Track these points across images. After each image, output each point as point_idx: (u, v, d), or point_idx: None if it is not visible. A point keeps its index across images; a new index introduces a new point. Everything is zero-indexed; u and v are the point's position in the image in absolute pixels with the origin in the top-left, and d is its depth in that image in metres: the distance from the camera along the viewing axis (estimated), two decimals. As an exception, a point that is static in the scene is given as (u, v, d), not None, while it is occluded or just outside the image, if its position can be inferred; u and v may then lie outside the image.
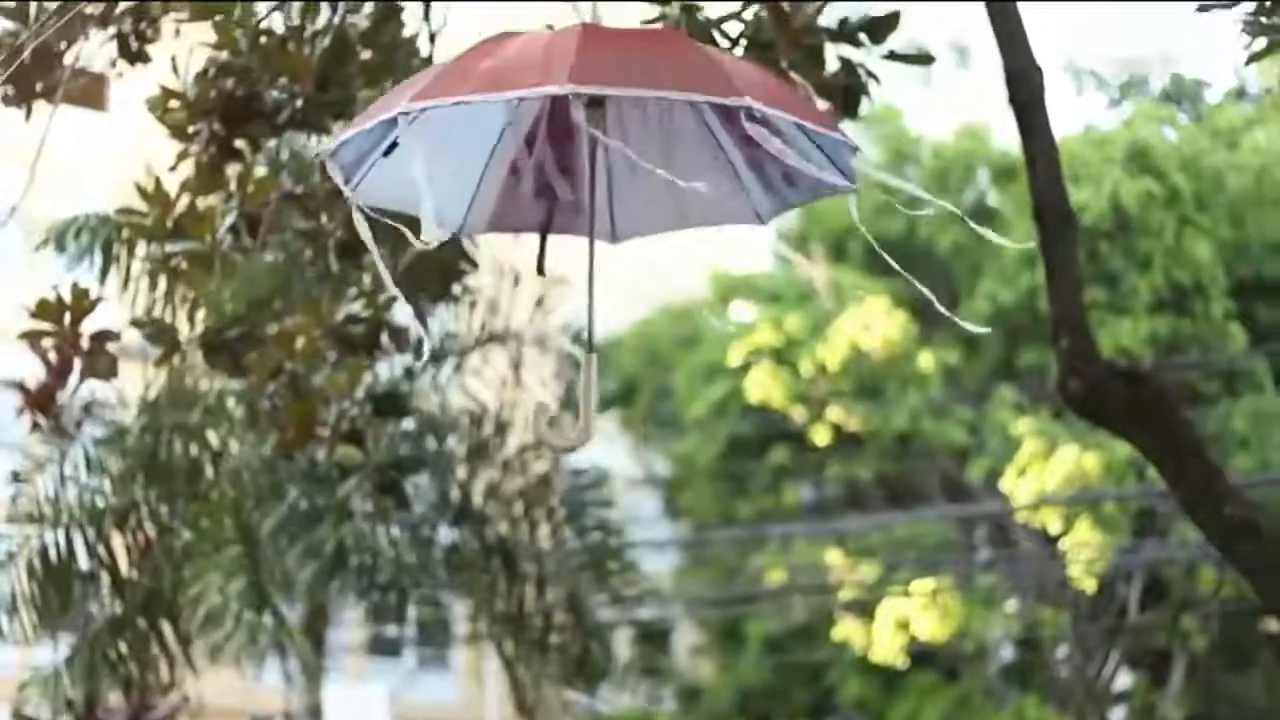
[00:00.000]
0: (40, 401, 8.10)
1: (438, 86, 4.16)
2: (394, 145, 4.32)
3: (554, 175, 4.73)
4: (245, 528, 15.60)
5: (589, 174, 4.75)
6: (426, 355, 17.13)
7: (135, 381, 14.92)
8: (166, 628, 15.60)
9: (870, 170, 4.31)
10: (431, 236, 4.00)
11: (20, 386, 8.18)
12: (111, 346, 7.80)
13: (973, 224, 4.47)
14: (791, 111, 4.17)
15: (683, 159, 4.56)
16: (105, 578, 15.56)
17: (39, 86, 7.31)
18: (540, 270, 4.95)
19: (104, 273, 14.89)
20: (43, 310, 7.66)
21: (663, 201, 4.77)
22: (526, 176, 4.76)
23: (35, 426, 8.25)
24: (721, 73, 4.17)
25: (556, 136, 4.70)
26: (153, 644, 15.56)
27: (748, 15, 7.46)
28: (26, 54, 7.13)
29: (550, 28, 4.36)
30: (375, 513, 15.85)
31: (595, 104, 4.33)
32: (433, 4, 8.28)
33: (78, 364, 7.82)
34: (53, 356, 7.78)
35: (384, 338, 8.45)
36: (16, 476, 15.55)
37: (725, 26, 7.46)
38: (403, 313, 8.80)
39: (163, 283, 13.54)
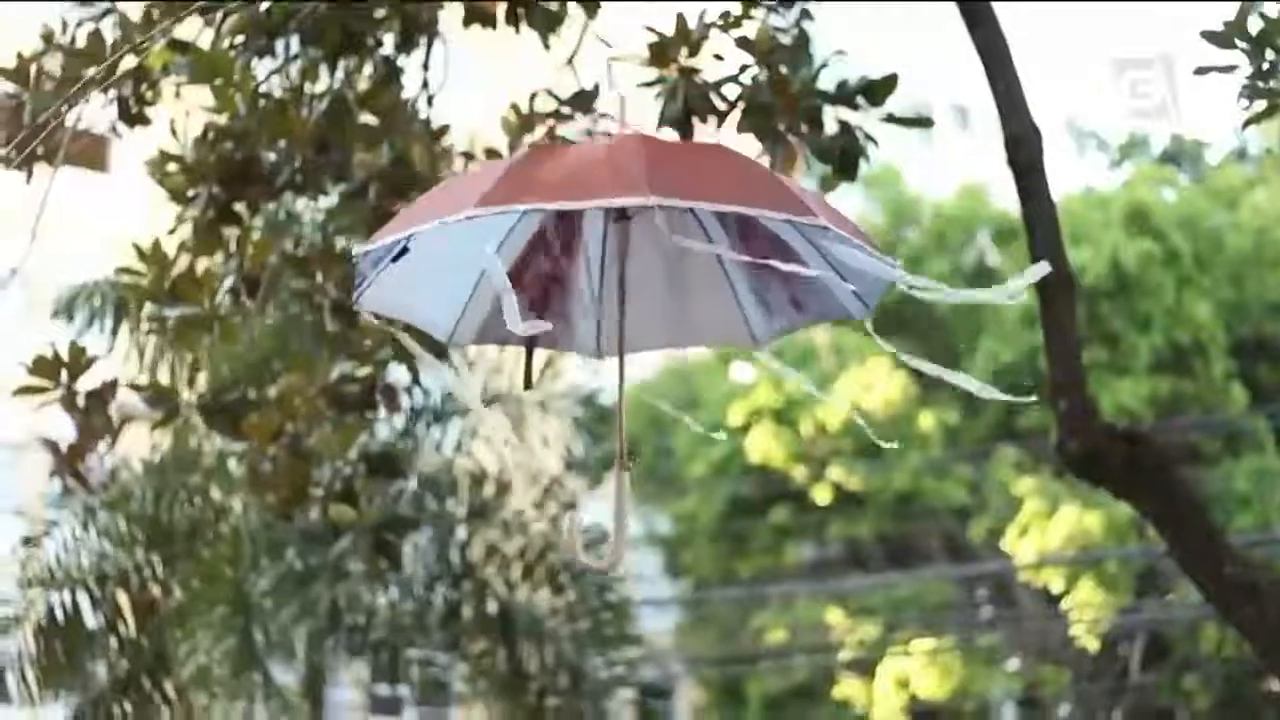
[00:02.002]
0: (70, 463, 8.10)
1: (501, 192, 4.03)
2: (404, 251, 4.26)
3: (549, 289, 4.71)
4: (238, 587, 15.59)
5: (597, 289, 4.74)
6: (419, 413, 17.14)
7: (141, 442, 14.93)
8: (170, 687, 15.59)
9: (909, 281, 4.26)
10: (520, 330, 3.99)
11: (53, 448, 8.18)
12: (115, 408, 7.80)
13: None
14: (847, 230, 4.14)
15: (692, 277, 4.59)
16: (110, 638, 15.56)
17: (40, 148, 7.32)
18: (528, 385, 4.96)
19: (114, 334, 14.99)
20: (40, 368, 7.65)
21: (656, 320, 4.75)
22: (520, 290, 4.70)
23: (66, 488, 8.24)
24: (789, 191, 4.14)
25: (551, 252, 4.68)
26: (157, 704, 15.55)
27: (745, 79, 7.48)
28: (28, 118, 7.16)
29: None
30: (370, 572, 15.82)
31: (622, 217, 4.33)
32: (430, 67, 8.32)
33: (76, 421, 7.82)
34: (81, 418, 7.79)
35: (377, 397, 8.44)
36: (28, 541, 15.56)
37: (724, 90, 7.49)
38: (398, 372, 8.79)
39: (163, 345, 13.57)
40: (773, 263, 4.19)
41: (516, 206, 4.10)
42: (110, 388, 7.81)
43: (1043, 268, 4.37)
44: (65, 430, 7.99)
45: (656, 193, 3.90)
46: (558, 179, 4.08)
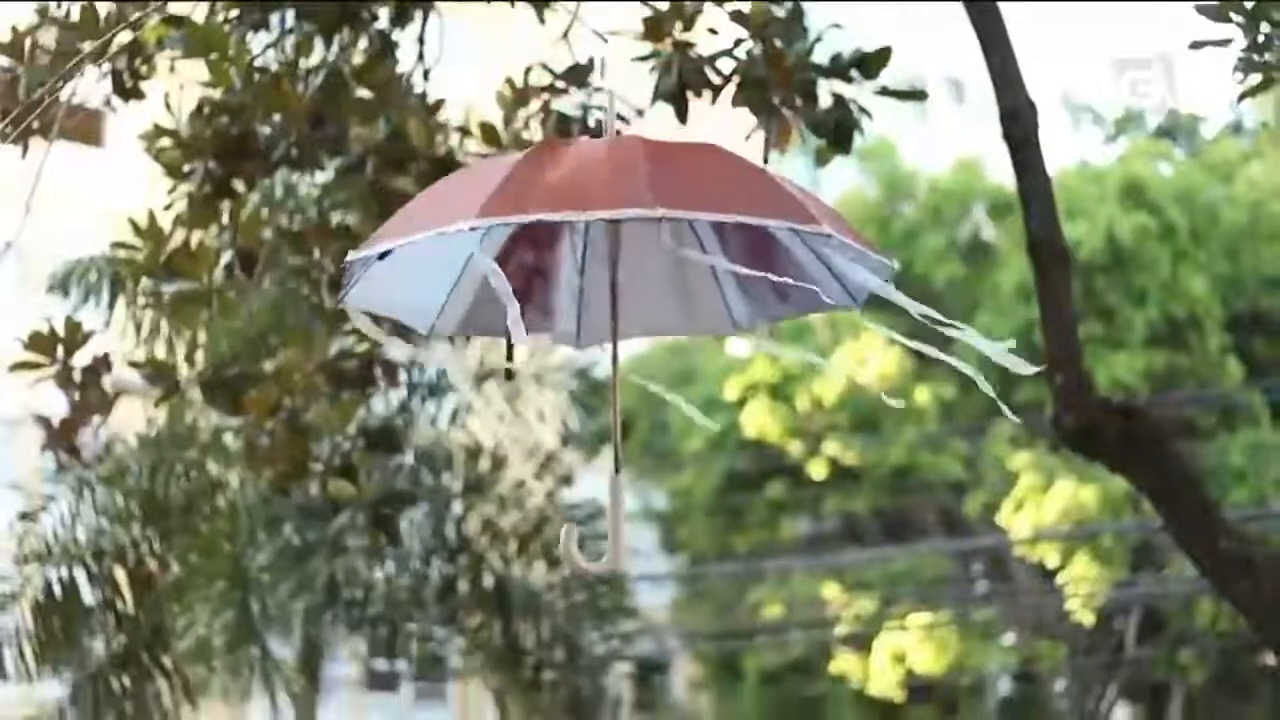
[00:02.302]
0: (63, 438, 8.10)
1: (501, 201, 3.98)
2: (389, 249, 4.20)
3: (530, 279, 4.70)
4: (235, 562, 15.62)
5: (580, 280, 4.72)
6: (415, 388, 17.16)
7: (137, 417, 14.94)
8: (168, 662, 15.62)
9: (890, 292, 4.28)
10: (523, 340, 3.96)
11: (44, 422, 8.17)
12: (111, 382, 7.80)
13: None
14: (847, 234, 4.15)
15: (677, 268, 4.60)
16: (107, 613, 15.59)
17: (35, 123, 7.30)
18: (509, 376, 4.96)
19: (109, 309, 15.00)
20: (36, 344, 7.64)
21: (639, 310, 4.71)
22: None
23: (59, 464, 8.23)
24: (790, 195, 4.12)
25: (534, 242, 4.65)
26: (155, 679, 15.58)
27: (740, 53, 7.47)
28: (23, 92, 7.15)
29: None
30: (369, 547, 15.85)
31: (613, 220, 4.30)
32: (426, 41, 8.31)
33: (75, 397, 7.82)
34: (76, 394, 7.78)
35: (377, 372, 8.44)
36: (25, 516, 15.59)
37: (719, 64, 7.48)
38: (396, 348, 8.79)
39: (160, 320, 13.58)
40: (770, 275, 4.20)
41: (519, 218, 4.05)
42: (104, 362, 7.81)
43: (1028, 368, 4.50)
44: (61, 405, 8.00)
45: (662, 203, 3.87)
46: (559, 187, 4.02)
